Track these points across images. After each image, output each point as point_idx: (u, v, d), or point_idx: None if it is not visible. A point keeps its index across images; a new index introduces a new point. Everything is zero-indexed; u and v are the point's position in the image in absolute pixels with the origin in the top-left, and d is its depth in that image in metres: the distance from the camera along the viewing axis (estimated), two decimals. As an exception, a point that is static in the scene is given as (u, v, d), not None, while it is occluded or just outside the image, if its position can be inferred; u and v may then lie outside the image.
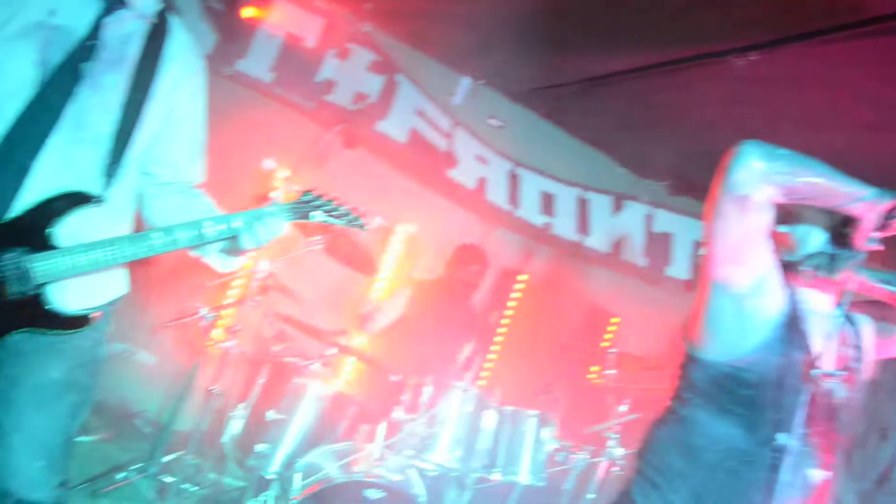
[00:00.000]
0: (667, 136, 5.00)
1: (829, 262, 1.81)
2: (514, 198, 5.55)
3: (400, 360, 4.26)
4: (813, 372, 1.72)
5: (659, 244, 5.84)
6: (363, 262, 4.06)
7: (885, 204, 1.65)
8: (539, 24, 4.32)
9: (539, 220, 5.59)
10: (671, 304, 5.44)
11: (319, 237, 3.68)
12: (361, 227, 2.15)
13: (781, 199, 1.70)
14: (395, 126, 5.16)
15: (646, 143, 5.31)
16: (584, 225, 5.75)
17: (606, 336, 5.71)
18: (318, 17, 5.09)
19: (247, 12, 4.75)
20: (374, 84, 5.17)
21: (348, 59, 5.16)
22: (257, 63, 4.98)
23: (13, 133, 1.79)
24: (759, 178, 1.66)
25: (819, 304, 1.87)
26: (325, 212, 2.06)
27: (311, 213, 2.04)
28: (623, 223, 5.87)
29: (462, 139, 5.47)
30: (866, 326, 2.00)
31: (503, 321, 5.59)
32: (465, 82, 5.55)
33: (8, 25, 1.81)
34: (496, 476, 3.93)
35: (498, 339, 5.56)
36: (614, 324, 5.74)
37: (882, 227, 1.66)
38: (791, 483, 1.71)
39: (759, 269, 1.73)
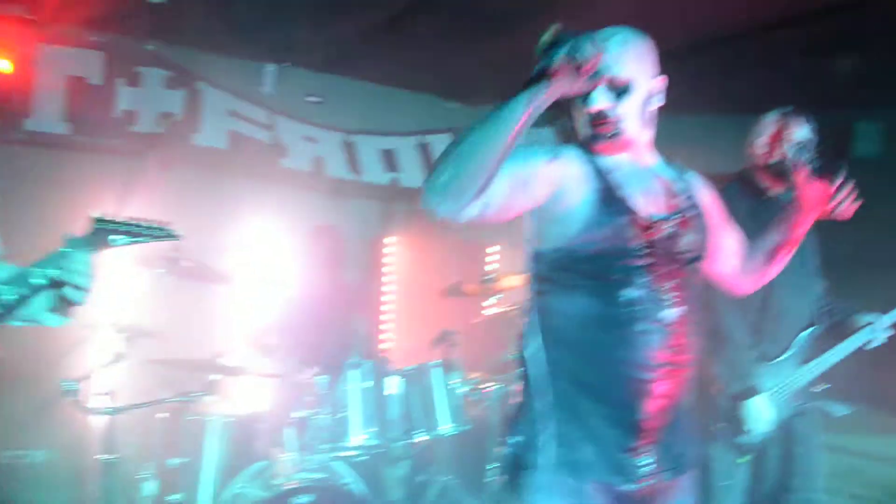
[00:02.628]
0: (471, 55, 4.94)
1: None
2: (354, 166, 5.46)
3: (295, 361, 4.16)
4: (643, 224, 1.87)
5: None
6: (213, 274, 3.89)
7: (559, 64, 1.64)
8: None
9: (386, 178, 5.52)
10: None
11: (164, 270, 3.51)
12: (172, 236, 2.03)
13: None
14: (211, 134, 4.96)
15: (456, 69, 5.27)
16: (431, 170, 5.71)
17: (488, 266, 5.75)
18: (96, 51, 4.80)
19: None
20: (175, 100, 4.93)
21: (141, 84, 4.89)
22: (47, 117, 4.65)
23: None
24: (458, 216, 1.71)
25: (636, 163, 2.00)
26: (126, 233, 1.93)
27: (111, 238, 1.91)
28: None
29: (285, 126, 5.32)
30: (697, 181, 2.15)
31: (385, 288, 5.54)
32: (271, 69, 5.37)
33: None
34: (422, 437, 3.91)
35: (388, 306, 5.52)
36: (493, 252, 5.78)
37: (585, 78, 1.67)
38: (647, 330, 1.84)
39: (545, 192, 1.85)
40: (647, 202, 1.92)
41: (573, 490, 1.85)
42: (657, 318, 1.85)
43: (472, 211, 1.71)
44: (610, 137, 1.93)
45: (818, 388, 3.24)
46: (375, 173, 5.53)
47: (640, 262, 1.85)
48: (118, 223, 1.93)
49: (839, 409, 4.13)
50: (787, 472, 3.07)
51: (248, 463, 3.70)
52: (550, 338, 1.91)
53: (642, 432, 1.88)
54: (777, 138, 3.08)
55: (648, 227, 1.87)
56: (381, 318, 5.45)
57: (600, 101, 1.91)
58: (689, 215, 1.98)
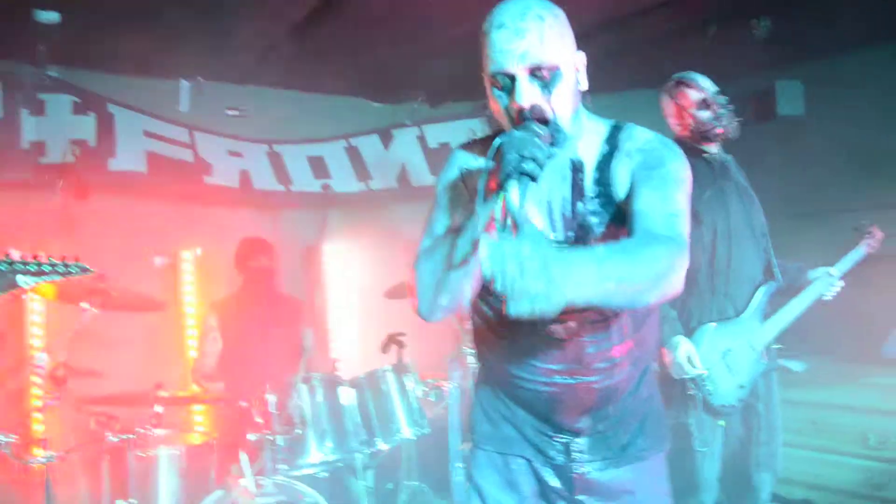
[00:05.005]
0: (393, 51, 4.84)
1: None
2: (283, 176, 5.29)
3: (241, 384, 3.98)
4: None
5: (440, 158, 5.77)
6: (143, 301, 3.69)
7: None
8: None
9: (317, 185, 5.36)
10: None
11: (87, 304, 3.30)
12: (84, 270, 1.89)
13: None
14: (128, 158, 4.70)
15: (372, 68, 5.16)
16: (363, 172, 5.59)
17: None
18: (-8, 82, 4.53)
19: None
20: (85, 126, 4.67)
21: (46, 112, 4.63)
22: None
23: None
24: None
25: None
26: (34, 273, 1.78)
27: (19, 279, 1.76)
28: (399, 153, 5.75)
29: (207, 142, 5.11)
30: (631, 151, 1.72)
31: (327, 296, 5.38)
32: (185, 85, 5.16)
33: None
34: (382, 445, 3.80)
35: (332, 315, 5.37)
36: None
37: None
38: (531, 344, 1.81)
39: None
40: (544, 216, 1.74)
41: (501, 465, 1.93)
42: (543, 332, 1.77)
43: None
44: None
45: (774, 346, 3.24)
46: (306, 181, 5.36)
47: None
48: (24, 263, 1.80)
49: (797, 365, 4.15)
50: (750, 427, 3.09)
51: (204, 494, 3.52)
52: (474, 340, 2.02)
53: (559, 427, 1.88)
54: (679, 108, 3.09)
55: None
56: (327, 327, 5.30)
57: (527, 95, 1.59)
58: (591, 220, 1.71)
